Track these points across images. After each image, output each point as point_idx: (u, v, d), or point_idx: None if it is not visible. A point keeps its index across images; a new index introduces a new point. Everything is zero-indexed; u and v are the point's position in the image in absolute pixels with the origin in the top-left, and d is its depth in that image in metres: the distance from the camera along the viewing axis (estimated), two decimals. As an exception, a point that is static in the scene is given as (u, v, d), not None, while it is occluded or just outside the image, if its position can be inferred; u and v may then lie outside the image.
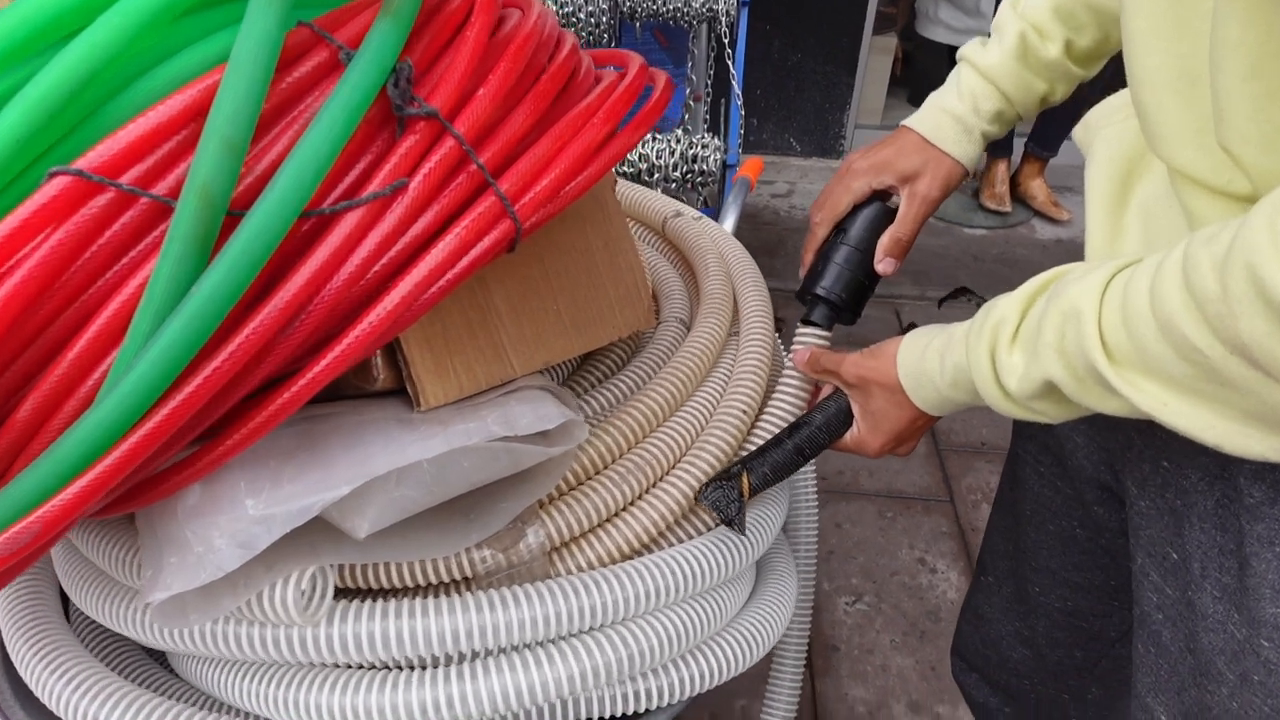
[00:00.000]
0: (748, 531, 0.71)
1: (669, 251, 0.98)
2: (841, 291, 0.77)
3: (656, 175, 2.03)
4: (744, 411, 0.73)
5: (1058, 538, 0.85)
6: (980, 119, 0.76)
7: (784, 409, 0.75)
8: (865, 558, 1.79)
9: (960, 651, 1.01)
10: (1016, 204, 3.05)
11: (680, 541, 0.69)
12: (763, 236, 2.94)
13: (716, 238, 0.94)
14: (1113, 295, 0.48)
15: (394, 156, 0.50)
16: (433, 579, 0.62)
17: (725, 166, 2.03)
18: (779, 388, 0.76)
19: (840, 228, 0.78)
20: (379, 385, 0.58)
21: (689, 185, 2.10)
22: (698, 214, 0.98)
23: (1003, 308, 0.56)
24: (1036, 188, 3.01)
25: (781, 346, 0.92)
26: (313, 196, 0.49)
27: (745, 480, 0.68)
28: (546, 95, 0.59)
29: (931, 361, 0.62)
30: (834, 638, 1.64)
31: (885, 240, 0.77)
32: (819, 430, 0.71)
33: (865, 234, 0.77)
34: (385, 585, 0.62)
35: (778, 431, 0.73)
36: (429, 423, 0.56)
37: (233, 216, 0.47)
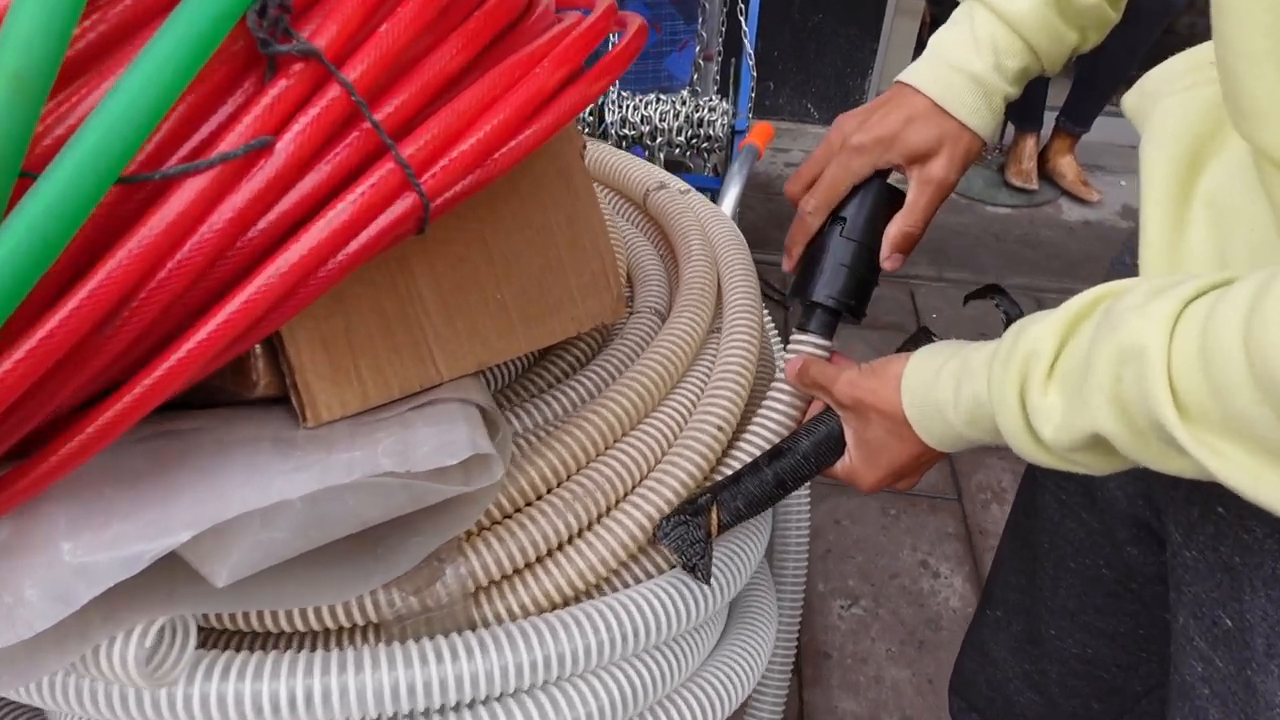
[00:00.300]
0: (719, 573, 0.60)
1: (652, 229, 0.86)
2: (844, 296, 0.65)
3: (660, 139, 1.90)
4: (719, 428, 0.62)
5: (1080, 576, 0.74)
6: (1002, 79, 0.62)
7: (768, 428, 0.63)
8: (864, 558, 1.69)
9: (961, 690, 0.91)
10: (1043, 182, 2.90)
11: (634, 583, 0.58)
12: (774, 208, 2.80)
13: (704, 215, 0.82)
14: (1188, 330, 0.36)
15: (255, 108, 0.38)
16: (329, 623, 0.52)
17: (733, 132, 1.90)
18: (766, 402, 0.64)
19: (837, 215, 0.66)
20: (260, 392, 0.47)
21: (694, 150, 1.97)
22: (685, 186, 0.86)
23: (1036, 334, 0.44)
24: (1066, 165, 2.86)
25: (777, 344, 0.81)
26: (144, 156, 0.38)
27: (714, 515, 0.57)
28: (479, 36, 0.47)
29: (944, 390, 0.50)
30: (826, 644, 1.54)
31: (893, 234, 0.64)
32: (804, 459, 0.59)
33: (869, 224, 0.64)
34: (270, 628, 0.52)
35: (757, 455, 0.62)
36: (313, 445, 0.44)
37: (26, 178, 0.35)
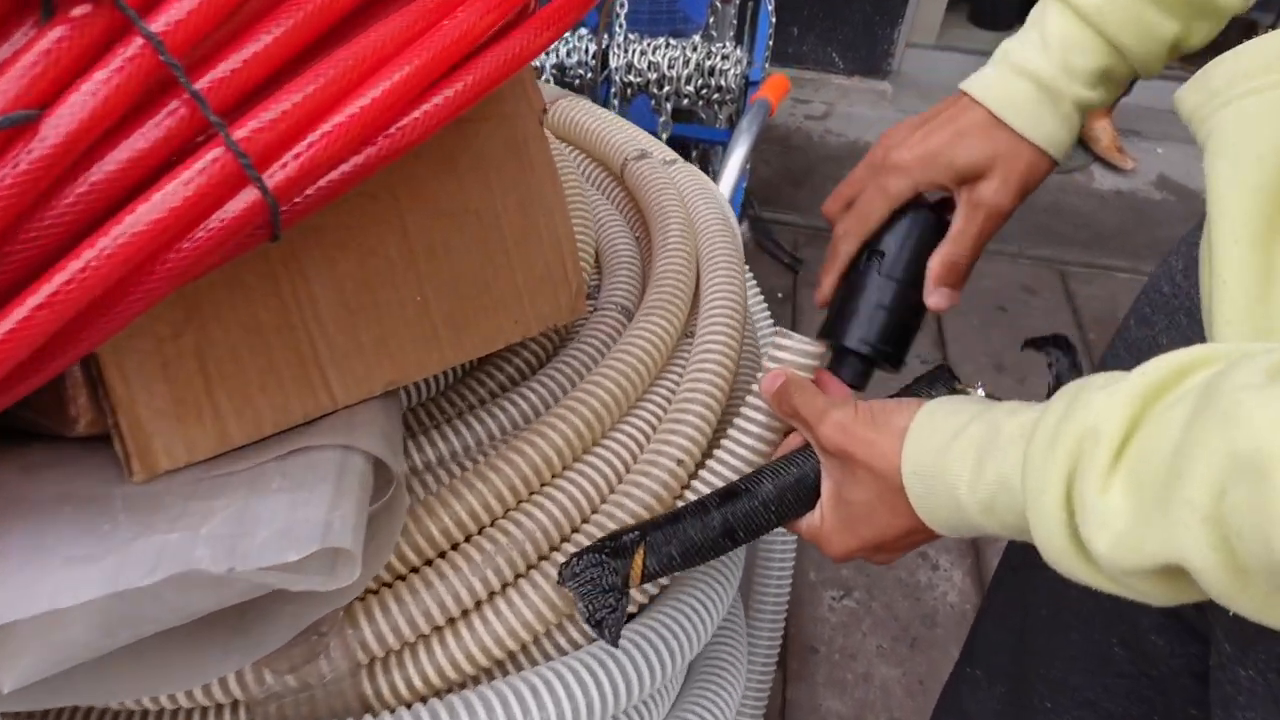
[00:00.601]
0: (670, 638, 0.50)
1: (631, 205, 0.75)
2: (881, 342, 0.55)
3: (667, 88, 1.76)
4: (677, 462, 0.52)
5: (1084, 651, 0.63)
6: (1075, 81, 0.51)
7: (727, 463, 0.53)
8: (860, 546, 1.60)
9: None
10: (1076, 146, 2.73)
11: (558, 654, 0.48)
12: (791, 163, 2.66)
13: (689, 192, 0.71)
14: None
15: (15, 66, 0.28)
16: (183, 702, 0.43)
17: (747, 83, 1.76)
18: (732, 429, 0.54)
19: (873, 247, 0.55)
20: (82, 430, 0.37)
21: (704, 101, 1.84)
22: (671, 156, 0.75)
23: (1098, 407, 0.33)
24: (1101, 129, 2.69)
25: (760, 346, 0.70)
26: None
27: (638, 559, 0.47)
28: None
29: (960, 462, 0.39)
30: (814, 637, 1.46)
31: (935, 266, 0.54)
32: (764, 506, 0.49)
33: (912, 260, 0.55)
34: (114, 705, 0.43)
35: (708, 492, 0.51)
36: (130, 515, 0.34)
37: None
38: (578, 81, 1.80)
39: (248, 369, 0.41)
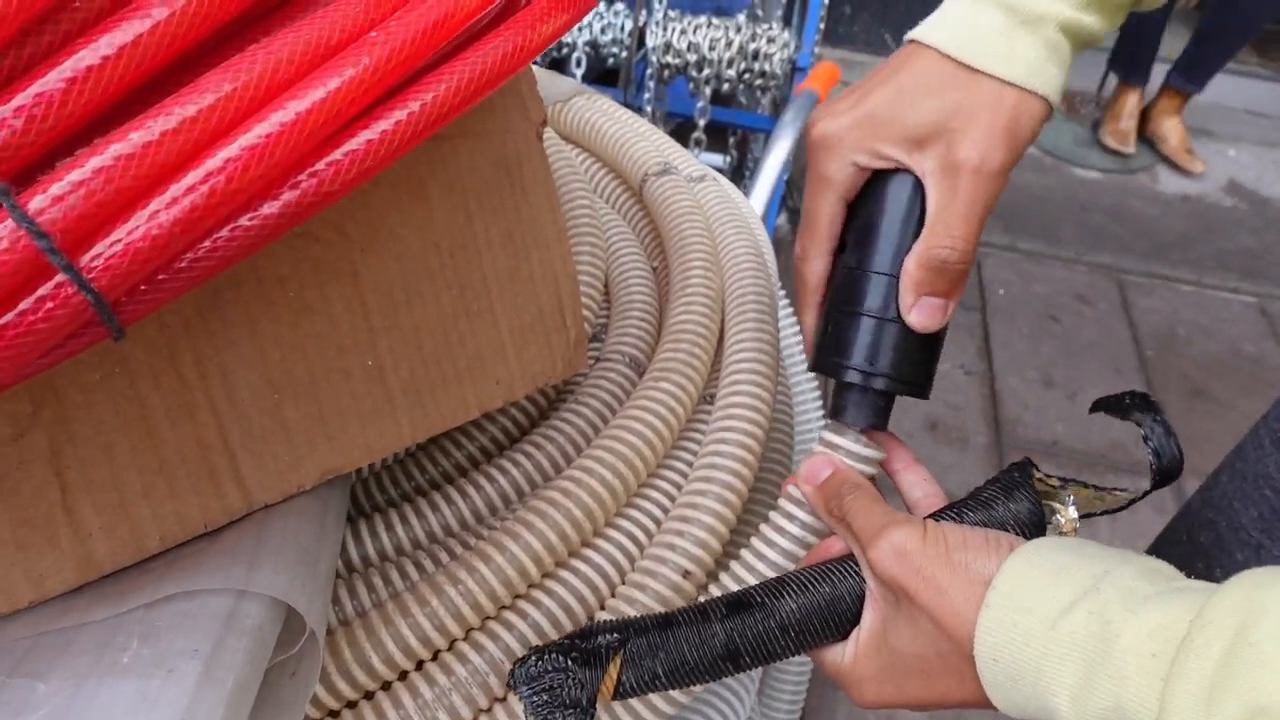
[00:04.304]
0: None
1: (650, 227, 0.64)
2: (893, 365, 0.42)
3: (707, 71, 1.64)
4: (684, 573, 0.42)
5: None
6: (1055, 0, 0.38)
7: (750, 578, 0.42)
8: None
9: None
10: (1141, 145, 2.57)
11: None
12: (834, 150, 2.52)
13: (718, 218, 0.60)
14: None
15: None
16: None
17: (793, 68, 1.64)
18: (765, 528, 0.43)
19: (844, 249, 0.43)
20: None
21: (746, 86, 1.71)
22: (698, 172, 0.64)
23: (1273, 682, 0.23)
24: (1170, 128, 2.52)
25: (810, 409, 0.60)
26: None
27: (613, 669, 0.37)
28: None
29: (1060, 665, 0.29)
30: (835, 671, 1.36)
31: (913, 267, 0.40)
32: (781, 629, 0.38)
33: (901, 240, 0.41)
34: None
35: (720, 596, 0.41)
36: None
37: None
38: (611, 60, 1.69)
39: (125, 470, 0.31)
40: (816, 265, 0.43)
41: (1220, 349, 1.98)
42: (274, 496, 0.36)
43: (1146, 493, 0.39)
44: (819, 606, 0.39)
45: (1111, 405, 0.41)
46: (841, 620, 0.39)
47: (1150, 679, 0.26)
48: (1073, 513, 0.39)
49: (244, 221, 0.25)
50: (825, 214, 0.42)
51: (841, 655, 0.39)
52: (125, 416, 0.32)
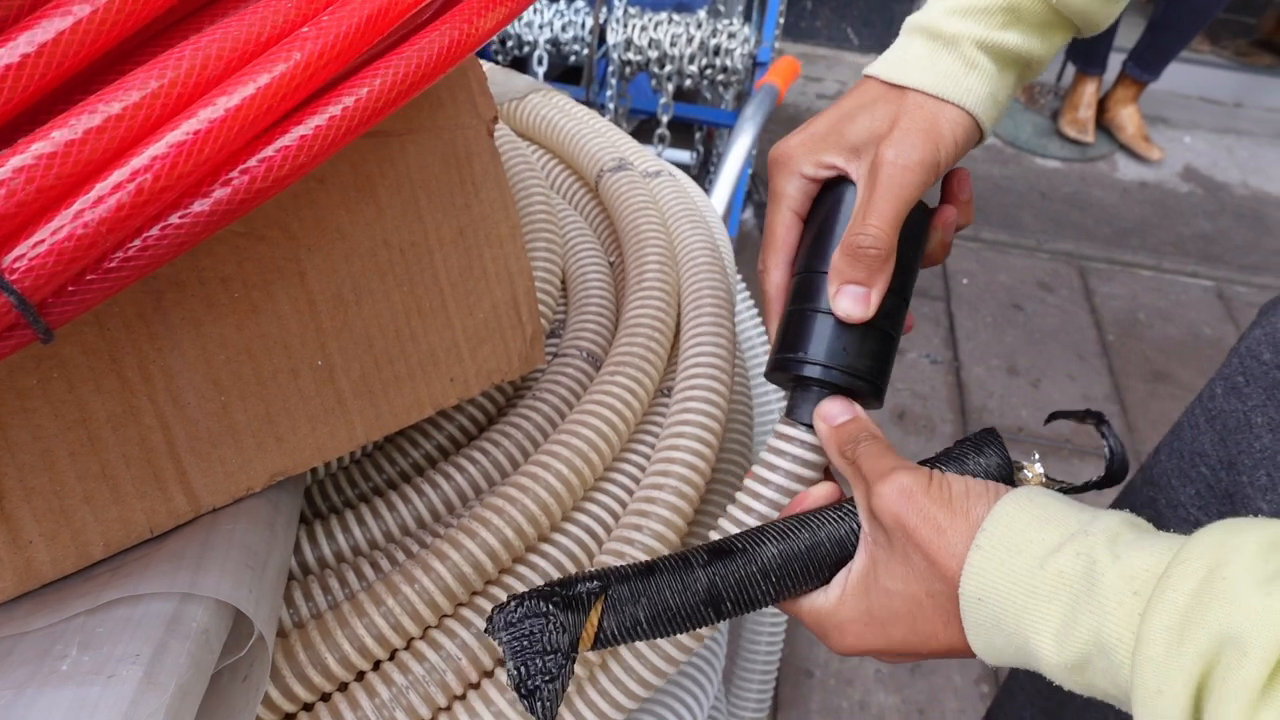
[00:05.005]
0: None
1: (608, 222, 0.64)
2: (842, 362, 0.42)
3: (669, 67, 1.64)
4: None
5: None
6: (967, 19, 0.43)
7: (748, 511, 0.42)
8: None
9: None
10: (1100, 133, 2.61)
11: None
12: (798, 144, 2.53)
13: (674, 213, 0.60)
14: None
15: None
16: None
17: (754, 63, 1.64)
18: (751, 479, 0.43)
19: (800, 254, 0.45)
20: None
21: (709, 82, 1.72)
22: (654, 167, 0.64)
23: (1249, 617, 0.25)
24: (1127, 117, 2.56)
25: (767, 405, 0.60)
26: None
27: (594, 615, 0.36)
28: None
29: (1047, 604, 0.30)
30: (810, 660, 1.38)
31: (836, 257, 0.42)
32: (762, 574, 0.38)
33: (834, 249, 0.43)
34: None
35: (702, 544, 0.40)
36: None
37: None
38: (573, 58, 1.69)
39: (65, 476, 0.31)
40: (775, 276, 0.46)
41: (1180, 332, 2.01)
42: (222, 499, 0.36)
43: (1091, 486, 0.41)
44: (799, 552, 0.39)
45: (1073, 416, 0.43)
46: (821, 566, 0.39)
47: (1129, 614, 0.28)
48: (1039, 468, 0.40)
49: (175, 219, 0.25)
50: (780, 226, 0.45)
51: (825, 598, 0.39)
52: (65, 421, 0.31)
